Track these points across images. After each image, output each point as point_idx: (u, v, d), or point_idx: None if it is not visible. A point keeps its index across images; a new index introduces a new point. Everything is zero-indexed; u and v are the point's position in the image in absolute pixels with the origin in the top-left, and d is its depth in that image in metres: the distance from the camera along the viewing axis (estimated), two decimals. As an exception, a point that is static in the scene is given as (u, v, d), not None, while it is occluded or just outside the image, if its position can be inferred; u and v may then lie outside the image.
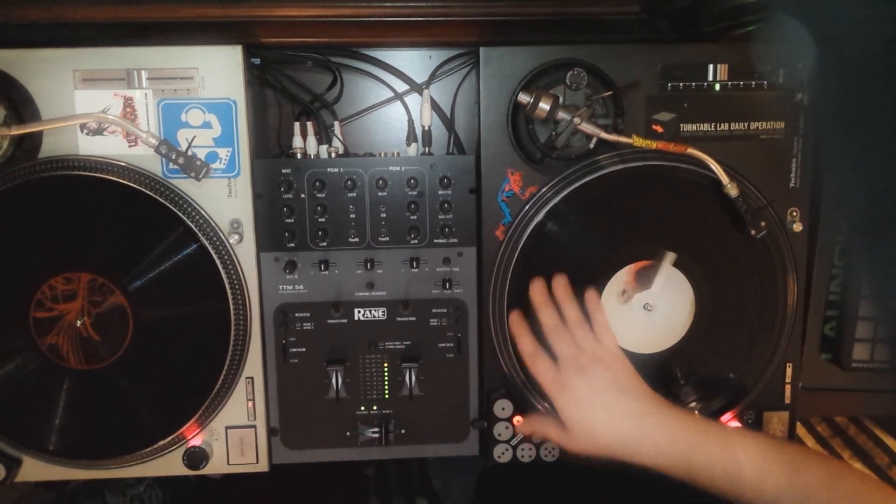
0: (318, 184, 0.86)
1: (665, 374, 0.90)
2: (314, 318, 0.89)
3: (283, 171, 0.86)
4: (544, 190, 0.87)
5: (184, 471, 0.90)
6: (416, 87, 1.01)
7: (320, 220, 0.87)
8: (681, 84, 0.86)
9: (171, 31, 0.89)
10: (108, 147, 0.83)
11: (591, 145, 0.84)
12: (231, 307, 0.85)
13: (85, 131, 0.83)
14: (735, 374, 0.92)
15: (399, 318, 0.90)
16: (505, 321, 0.88)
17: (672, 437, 0.71)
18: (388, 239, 0.88)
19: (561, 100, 0.84)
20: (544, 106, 0.81)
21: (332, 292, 0.89)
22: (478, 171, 0.88)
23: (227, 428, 0.90)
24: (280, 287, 0.89)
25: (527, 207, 0.87)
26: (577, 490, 0.90)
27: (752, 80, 0.87)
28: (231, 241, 0.85)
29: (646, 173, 0.86)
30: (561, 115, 0.82)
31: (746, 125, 0.88)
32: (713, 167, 0.83)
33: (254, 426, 0.90)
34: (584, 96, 0.85)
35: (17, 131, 0.79)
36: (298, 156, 0.90)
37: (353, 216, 0.88)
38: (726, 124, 0.87)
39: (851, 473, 0.67)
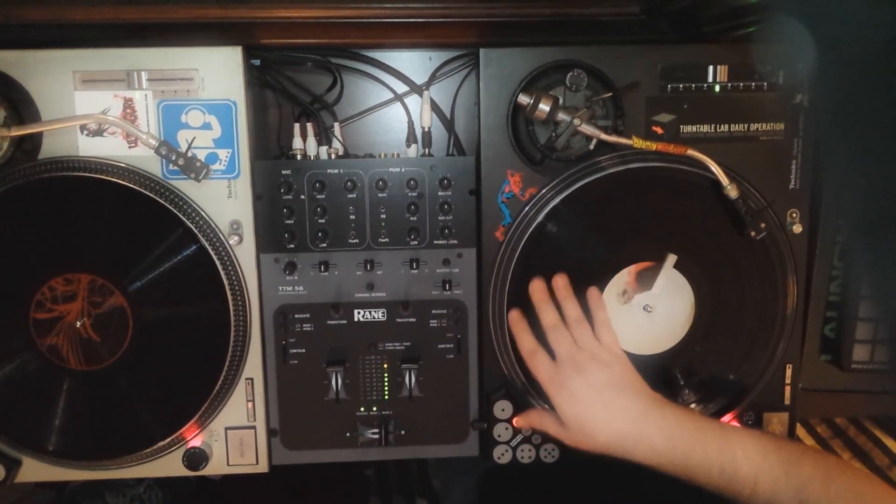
0: (318, 185, 0.86)
1: (665, 376, 0.90)
2: (314, 319, 0.89)
3: (283, 172, 0.86)
4: (544, 191, 0.87)
5: (183, 471, 0.90)
6: (416, 89, 1.01)
7: (320, 221, 0.87)
8: (681, 85, 0.86)
9: (170, 32, 0.89)
10: (108, 148, 0.83)
11: (591, 146, 0.84)
12: (231, 308, 0.85)
13: (85, 132, 0.83)
14: (735, 374, 0.92)
15: (399, 320, 0.90)
16: (505, 322, 0.88)
17: (670, 435, 0.71)
18: (387, 240, 0.88)
19: (561, 101, 0.84)
20: (544, 107, 0.81)
21: (331, 293, 0.89)
22: (478, 172, 0.88)
23: (226, 429, 0.90)
24: (280, 288, 0.89)
25: (527, 209, 0.87)
26: (578, 490, 0.90)
27: (752, 81, 0.87)
28: (231, 242, 0.85)
29: (646, 174, 0.86)
30: (561, 116, 0.82)
31: (746, 126, 0.88)
32: (713, 168, 0.83)
33: (253, 427, 0.90)
34: (583, 97, 0.85)
35: (17, 132, 0.79)
36: (298, 157, 0.90)
37: (352, 217, 0.88)
38: (726, 126, 0.87)
39: (847, 469, 0.67)
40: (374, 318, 0.90)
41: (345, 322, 0.90)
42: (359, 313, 0.90)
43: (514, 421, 0.89)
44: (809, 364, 0.97)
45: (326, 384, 0.89)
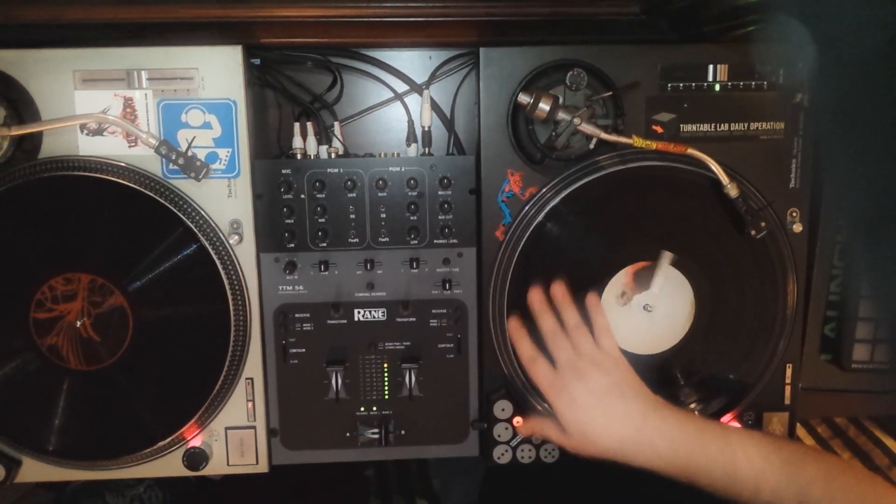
0: (318, 184, 0.86)
1: (665, 375, 0.90)
2: (314, 318, 0.89)
3: (283, 171, 0.86)
4: (544, 190, 0.87)
5: (184, 472, 0.90)
6: (416, 88, 1.01)
7: (320, 220, 0.87)
8: (681, 84, 0.86)
9: (170, 32, 0.89)
10: (108, 147, 0.83)
11: (591, 146, 0.84)
12: (231, 308, 0.85)
13: (85, 132, 0.83)
14: (735, 374, 0.92)
15: (399, 319, 0.90)
16: (505, 322, 0.88)
17: (671, 439, 0.71)
18: (387, 239, 0.88)
19: (561, 100, 0.84)
20: (544, 106, 0.81)
21: (331, 293, 0.89)
22: (478, 171, 0.88)
23: (226, 429, 0.90)
24: (280, 287, 0.89)
25: (527, 208, 0.87)
26: (578, 490, 0.90)
27: (752, 80, 0.87)
28: (231, 241, 0.85)
29: (646, 174, 0.86)
30: (561, 115, 0.82)
31: (746, 126, 0.88)
32: (713, 168, 0.83)
33: (254, 427, 0.90)
34: (583, 97, 0.85)
35: (17, 132, 0.79)
36: (298, 156, 0.90)
37: (352, 217, 0.88)
38: (726, 125, 0.87)
39: (849, 469, 0.67)
40: (374, 317, 0.90)
41: (345, 322, 0.90)
42: (359, 313, 0.90)
43: (517, 428, 0.89)
44: (809, 364, 0.97)
45: (326, 384, 0.89)
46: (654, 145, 0.83)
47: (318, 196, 0.87)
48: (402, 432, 0.92)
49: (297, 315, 0.89)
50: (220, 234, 0.85)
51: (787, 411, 0.94)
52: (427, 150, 0.93)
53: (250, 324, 0.87)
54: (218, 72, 0.83)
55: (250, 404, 0.90)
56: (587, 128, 0.82)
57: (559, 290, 0.82)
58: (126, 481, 1.14)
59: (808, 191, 0.89)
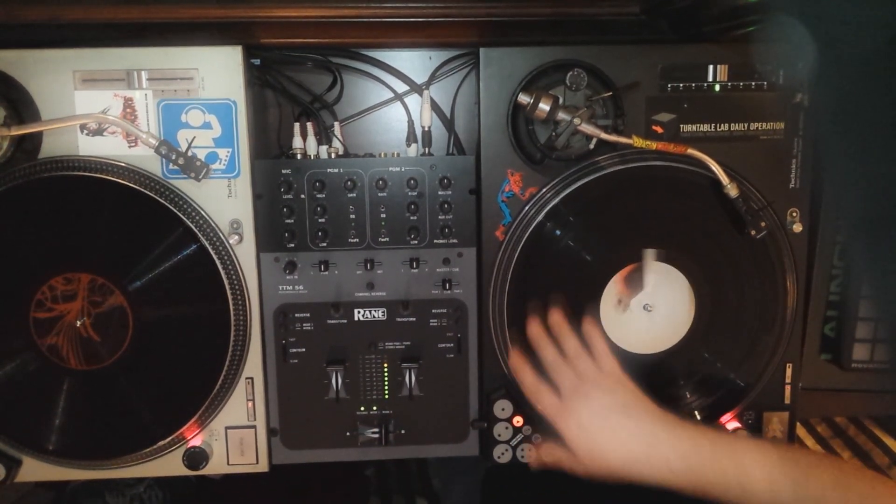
0: (318, 184, 0.86)
1: (665, 375, 0.90)
2: (314, 318, 0.89)
3: (283, 171, 0.86)
4: (544, 190, 0.87)
5: (184, 471, 0.90)
6: (416, 88, 1.01)
7: (320, 220, 0.87)
8: (681, 85, 0.86)
9: (170, 32, 0.89)
10: (108, 147, 0.83)
11: (591, 146, 0.84)
12: (231, 307, 0.85)
13: (85, 132, 0.83)
14: (735, 374, 0.92)
15: (399, 319, 0.90)
16: (505, 321, 0.88)
17: (684, 454, 0.70)
18: (387, 239, 0.88)
19: (561, 100, 0.84)
20: (544, 106, 0.81)
21: (331, 293, 0.89)
22: (478, 171, 0.88)
23: (226, 428, 0.90)
24: (280, 287, 0.89)
25: (527, 208, 0.87)
26: (578, 490, 0.90)
27: (752, 80, 0.87)
28: (231, 241, 0.85)
29: (646, 174, 0.86)
30: (561, 115, 0.82)
31: (746, 126, 0.88)
32: (713, 168, 0.83)
33: (254, 426, 0.90)
34: (583, 97, 0.85)
35: (17, 132, 0.79)
36: (298, 156, 0.90)
37: (352, 217, 0.88)
38: (726, 125, 0.87)
39: (864, 475, 0.66)
40: (374, 317, 0.90)
41: (345, 321, 0.90)
42: (359, 312, 0.90)
43: (528, 458, 0.86)
44: (809, 363, 0.97)
45: (326, 383, 0.89)
46: (654, 145, 0.83)
47: (318, 196, 0.87)
48: (402, 432, 0.92)
49: (297, 315, 0.89)
50: (220, 234, 0.85)
51: (787, 411, 0.94)
52: (427, 150, 0.93)
53: (250, 324, 0.87)
54: (218, 72, 0.83)
55: (250, 404, 0.90)
56: (587, 128, 0.82)
57: (557, 318, 0.82)
58: (126, 481, 1.14)
59: (808, 191, 0.89)
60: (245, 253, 0.86)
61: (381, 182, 0.87)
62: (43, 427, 0.87)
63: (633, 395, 0.76)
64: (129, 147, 0.83)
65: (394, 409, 0.92)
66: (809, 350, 0.97)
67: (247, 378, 0.89)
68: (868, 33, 0.35)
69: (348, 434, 0.92)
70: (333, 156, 0.89)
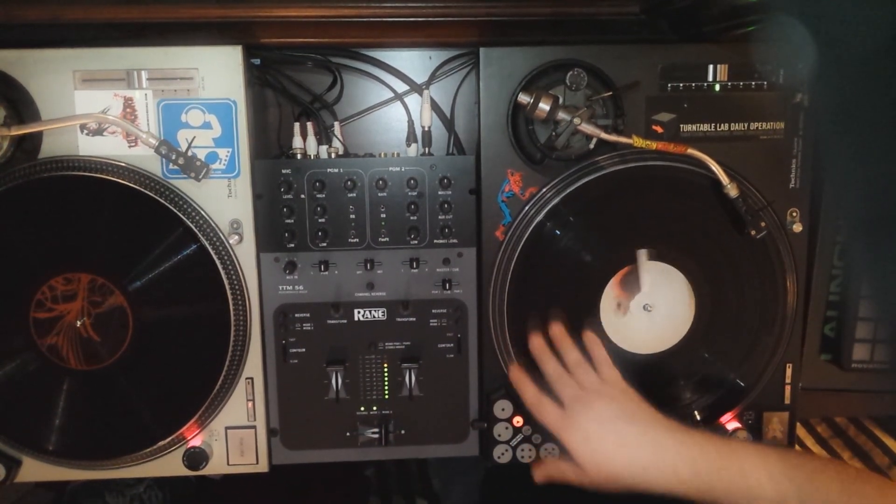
0: (318, 184, 0.86)
1: (665, 375, 0.90)
2: (314, 318, 0.89)
3: (283, 171, 0.86)
4: (544, 190, 0.87)
5: (184, 471, 0.90)
6: (416, 88, 1.01)
7: (320, 220, 0.87)
8: (681, 84, 0.86)
9: (170, 32, 0.89)
10: (107, 147, 0.83)
11: (591, 146, 0.84)
12: (231, 307, 0.85)
13: (85, 132, 0.83)
14: (735, 374, 0.92)
15: (399, 319, 0.90)
16: (505, 322, 0.88)
17: (691, 461, 0.69)
18: (387, 239, 0.88)
19: (561, 100, 0.84)
20: (544, 106, 0.81)
21: (331, 293, 0.89)
22: (478, 171, 0.88)
23: (226, 428, 0.90)
24: (280, 287, 0.89)
25: (527, 208, 0.87)
26: (578, 490, 0.89)
27: (752, 80, 0.87)
28: (231, 241, 0.85)
29: (646, 174, 0.86)
30: (561, 115, 0.82)
31: (746, 126, 0.88)
32: (713, 168, 0.83)
33: (254, 427, 0.90)
34: (583, 97, 0.85)
35: (17, 132, 0.79)
36: (298, 156, 0.90)
37: (352, 217, 0.88)
38: (726, 125, 0.87)
39: (870, 479, 0.66)
40: (374, 317, 0.90)
41: (345, 321, 0.90)
42: (359, 313, 0.90)
43: (534, 473, 0.82)
44: (809, 364, 0.97)
45: (326, 384, 0.89)
46: (654, 145, 0.83)
47: (318, 196, 0.87)
48: (402, 432, 0.92)
49: (297, 315, 0.89)
50: (220, 234, 0.85)
51: (787, 411, 0.94)
52: (427, 150, 0.93)
53: (250, 324, 0.87)
54: (218, 72, 0.83)
55: (250, 404, 0.90)
56: (587, 128, 0.82)
57: (557, 330, 0.82)
58: (126, 481, 1.14)
59: (808, 191, 0.89)
60: (245, 253, 0.86)
61: (381, 182, 0.87)
62: (43, 427, 0.87)
63: (637, 404, 0.76)
64: (129, 147, 0.83)
65: (394, 410, 0.92)
66: (809, 350, 0.97)
67: (247, 378, 0.89)
68: (868, 33, 0.35)
69: (348, 434, 0.92)
70: (333, 156, 0.89)
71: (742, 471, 0.67)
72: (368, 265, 0.88)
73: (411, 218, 0.88)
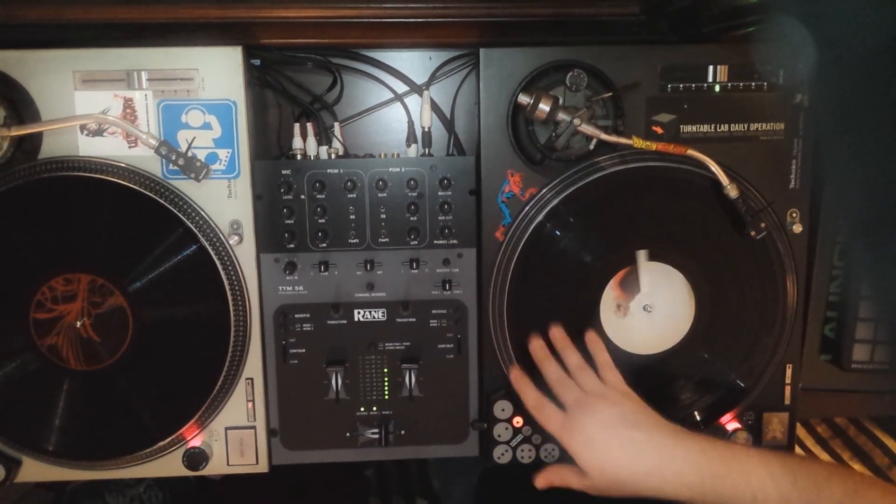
0: (317, 185, 0.86)
1: (666, 375, 0.90)
2: (314, 318, 0.89)
3: (283, 172, 0.86)
4: (544, 191, 0.87)
5: (183, 471, 0.90)
6: (416, 89, 1.01)
7: (320, 221, 0.87)
8: (681, 85, 0.86)
9: (170, 32, 0.89)
10: (107, 148, 0.83)
11: (591, 146, 0.84)
12: (231, 308, 0.85)
13: (85, 132, 0.83)
14: (735, 374, 0.92)
15: (399, 319, 0.90)
16: (505, 322, 0.88)
17: (697, 466, 0.69)
18: (387, 240, 0.88)
19: (561, 101, 0.84)
20: (544, 107, 0.81)
21: (331, 293, 0.89)
22: (478, 172, 0.88)
23: (226, 429, 0.90)
24: (280, 288, 0.89)
25: (527, 209, 0.87)
26: (578, 490, 0.89)
27: (752, 81, 0.87)
28: (231, 242, 0.85)
29: (646, 174, 0.86)
30: (561, 116, 0.82)
31: (746, 126, 0.88)
32: (713, 168, 0.83)
33: (254, 427, 0.90)
34: (584, 97, 0.85)
35: (16, 132, 0.79)
36: (298, 157, 0.90)
37: (352, 217, 0.88)
38: (726, 125, 0.87)
39: (875, 486, 0.65)
40: (374, 317, 0.90)
41: (345, 322, 0.90)
42: (359, 313, 0.90)
43: (536, 480, 0.81)
44: (809, 364, 0.97)
45: (326, 384, 0.89)
46: (654, 146, 0.83)
47: (318, 196, 0.87)
48: (402, 432, 0.92)
49: (297, 315, 0.89)
50: (220, 235, 0.85)
51: (787, 411, 0.93)
52: (427, 150, 0.93)
53: (250, 324, 0.87)
54: (218, 72, 0.83)
55: (250, 404, 0.90)
56: (587, 128, 0.82)
57: (558, 333, 0.82)
58: (126, 481, 1.14)
59: (808, 191, 0.89)
60: (245, 253, 0.86)
61: (381, 182, 0.87)
62: (43, 427, 0.87)
63: (640, 407, 0.75)
64: (129, 147, 0.83)
65: (394, 410, 0.92)
66: (809, 350, 0.97)
67: (247, 379, 0.89)
68: (868, 33, 0.35)
69: (348, 434, 0.92)
70: (333, 156, 0.89)
71: (746, 476, 0.67)
72: (368, 266, 0.88)
73: (411, 218, 0.88)
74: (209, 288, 0.84)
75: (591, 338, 0.82)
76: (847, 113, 0.37)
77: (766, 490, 0.66)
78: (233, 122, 0.84)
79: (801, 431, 1.07)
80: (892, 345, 0.77)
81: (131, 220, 0.84)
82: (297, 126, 0.92)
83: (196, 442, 0.89)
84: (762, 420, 0.93)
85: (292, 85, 1.00)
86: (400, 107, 1.02)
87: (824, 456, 1.04)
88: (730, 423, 0.92)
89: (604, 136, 0.82)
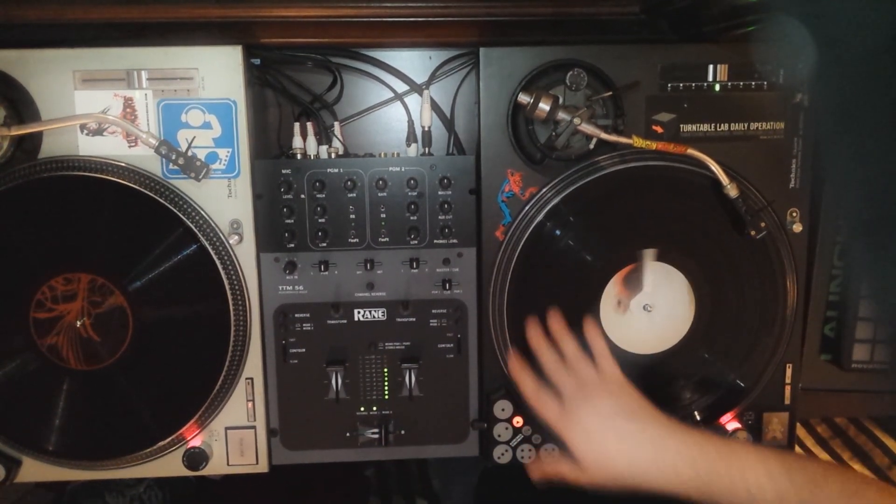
0: (317, 184, 0.86)
1: (665, 375, 0.90)
2: (314, 318, 0.89)
3: (283, 171, 0.86)
4: (544, 190, 0.87)
5: (184, 471, 0.90)
6: (416, 88, 1.01)
7: (320, 220, 0.87)
8: (681, 84, 0.86)
9: (170, 32, 0.89)
10: (107, 147, 0.83)
11: (591, 146, 0.84)
12: (231, 308, 0.85)
13: (85, 132, 0.83)
14: (735, 374, 0.92)
15: (399, 319, 0.90)
16: (505, 322, 0.88)
17: (692, 460, 0.69)
18: (387, 239, 0.88)
19: (561, 100, 0.84)
20: (544, 106, 0.81)
21: (331, 293, 0.89)
22: (478, 171, 0.88)
23: (226, 429, 0.90)
24: (280, 287, 0.89)
25: (527, 208, 0.87)
26: (578, 490, 0.89)
27: (752, 80, 0.87)
28: (231, 241, 0.85)
29: (646, 174, 0.86)
30: (561, 115, 0.82)
31: (746, 126, 0.88)
32: (713, 168, 0.83)
33: (254, 427, 0.90)
34: (583, 97, 0.85)
35: (17, 132, 0.79)
36: (298, 156, 0.90)
37: (352, 217, 0.88)
38: (726, 125, 0.87)
39: (871, 486, 0.65)
40: (374, 317, 0.90)
41: (345, 322, 0.90)
42: (359, 313, 0.90)
43: (529, 469, 0.82)
44: (809, 364, 0.97)
45: (326, 384, 0.89)
46: (654, 145, 0.83)
47: (318, 196, 0.87)
48: (402, 432, 0.92)
49: (297, 315, 0.89)
50: (220, 234, 0.85)
51: (787, 411, 0.94)
52: (427, 150, 0.93)
53: (250, 324, 0.87)
54: (218, 72, 0.83)
55: (250, 404, 0.90)
56: (587, 128, 0.82)
57: (556, 322, 0.82)
58: (126, 481, 1.14)
59: (808, 191, 0.89)
60: (245, 253, 0.86)
61: (381, 182, 0.87)
62: (43, 427, 0.87)
63: (637, 400, 0.75)
64: (129, 147, 0.83)
65: (394, 410, 0.92)
66: (809, 350, 0.97)
67: (247, 378, 0.89)
68: (868, 33, 0.35)
69: (348, 434, 0.92)
70: (333, 156, 0.89)
71: (742, 471, 0.67)
72: (368, 265, 0.88)
73: (411, 218, 0.88)
74: (209, 287, 0.84)
75: (589, 327, 0.82)
76: (847, 113, 0.37)
77: (761, 486, 0.66)
78: (233, 122, 0.84)
79: (801, 431, 1.07)
80: (892, 344, 0.77)
81: (131, 219, 0.84)
82: (297, 125, 0.92)
83: (196, 442, 0.89)
84: (762, 420, 0.93)
85: (292, 84, 1.00)
86: (400, 106, 1.02)
87: (824, 456, 1.04)
88: (730, 422, 0.92)
89: (604, 136, 0.82)
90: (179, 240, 0.84)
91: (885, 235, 0.37)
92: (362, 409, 0.92)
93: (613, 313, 0.89)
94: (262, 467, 0.92)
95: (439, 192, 0.88)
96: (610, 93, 0.84)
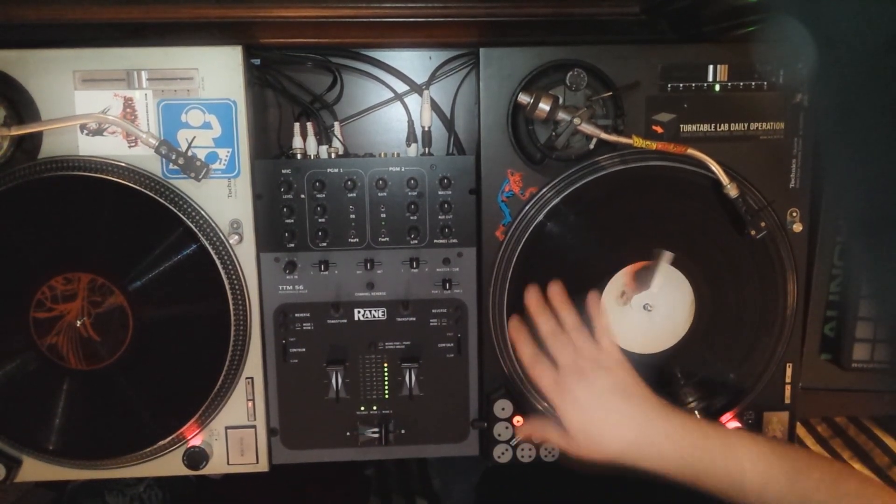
0: (318, 184, 0.86)
1: (665, 375, 0.90)
2: (314, 318, 0.89)
3: (283, 171, 0.86)
4: (544, 190, 0.87)
5: (184, 471, 0.90)
6: (416, 88, 1.01)
7: (320, 220, 0.87)
8: (681, 85, 0.86)
9: (170, 32, 0.89)
10: (107, 147, 0.83)
11: (591, 146, 0.84)
12: (231, 307, 0.85)
13: (85, 132, 0.83)
14: (735, 374, 0.92)
15: (399, 319, 0.90)
16: (505, 321, 0.88)
17: (676, 441, 0.70)
18: (387, 239, 0.88)
19: (561, 100, 0.84)
20: (544, 106, 0.81)
21: (332, 292, 0.89)
22: (478, 171, 0.88)
23: (226, 428, 0.90)
24: (280, 287, 0.89)
25: (527, 208, 0.87)
26: (578, 490, 0.90)
27: (752, 80, 0.87)
28: (231, 241, 0.85)
29: (646, 174, 0.86)
30: (561, 115, 0.82)
31: (746, 126, 0.88)
32: (713, 168, 0.83)
33: (254, 426, 0.90)
34: (584, 97, 0.85)
35: (17, 132, 0.79)
36: (298, 156, 0.90)
37: (352, 216, 0.88)
38: (726, 125, 0.87)
39: (854, 476, 0.67)
40: (374, 317, 0.90)
41: (345, 321, 0.90)
42: (359, 312, 0.90)
43: (517, 430, 0.86)
44: (809, 363, 0.97)
45: (326, 383, 0.89)
46: (654, 145, 0.83)
47: (318, 196, 0.87)
48: (403, 431, 0.92)
49: (297, 315, 0.89)
50: (220, 234, 0.85)
51: (787, 411, 0.94)
52: (427, 150, 0.93)
53: (250, 323, 0.87)
54: (218, 72, 0.83)
55: (250, 404, 0.90)
56: (587, 128, 0.82)
57: (556, 290, 0.81)
58: (126, 481, 1.14)
59: (808, 191, 0.89)
60: (245, 253, 0.86)
61: (381, 182, 0.87)
62: (43, 427, 0.87)
63: (632, 378, 0.76)
64: (129, 147, 0.83)
65: (394, 409, 0.92)
66: (809, 350, 0.97)
67: (247, 378, 0.89)
68: (868, 33, 0.35)
69: (348, 434, 0.92)
70: (333, 156, 0.89)
71: (728, 456, 0.68)
72: (368, 265, 0.88)
73: (411, 218, 0.88)
74: (209, 287, 0.85)
75: (592, 300, 0.81)
76: (847, 113, 0.37)
77: (743, 469, 0.67)
78: (233, 122, 0.84)
79: (801, 431, 1.08)
80: (892, 344, 0.77)
81: (131, 219, 0.84)
82: (297, 125, 0.92)
83: (196, 441, 0.89)
84: (762, 419, 0.93)
85: (292, 84, 1.00)
86: (400, 106, 1.02)
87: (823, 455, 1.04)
88: (730, 422, 0.92)
89: (604, 136, 0.82)
90: (179, 240, 0.84)
91: (885, 235, 0.37)
92: (362, 408, 0.92)
93: (615, 303, 0.88)
94: (263, 466, 0.92)
95: (439, 192, 0.88)
96: (610, 93, 0.84)
